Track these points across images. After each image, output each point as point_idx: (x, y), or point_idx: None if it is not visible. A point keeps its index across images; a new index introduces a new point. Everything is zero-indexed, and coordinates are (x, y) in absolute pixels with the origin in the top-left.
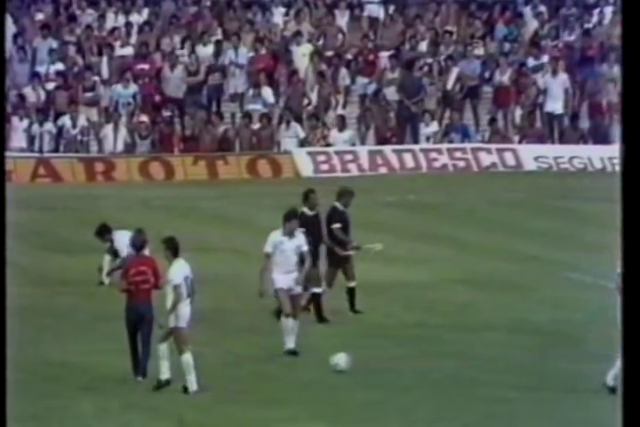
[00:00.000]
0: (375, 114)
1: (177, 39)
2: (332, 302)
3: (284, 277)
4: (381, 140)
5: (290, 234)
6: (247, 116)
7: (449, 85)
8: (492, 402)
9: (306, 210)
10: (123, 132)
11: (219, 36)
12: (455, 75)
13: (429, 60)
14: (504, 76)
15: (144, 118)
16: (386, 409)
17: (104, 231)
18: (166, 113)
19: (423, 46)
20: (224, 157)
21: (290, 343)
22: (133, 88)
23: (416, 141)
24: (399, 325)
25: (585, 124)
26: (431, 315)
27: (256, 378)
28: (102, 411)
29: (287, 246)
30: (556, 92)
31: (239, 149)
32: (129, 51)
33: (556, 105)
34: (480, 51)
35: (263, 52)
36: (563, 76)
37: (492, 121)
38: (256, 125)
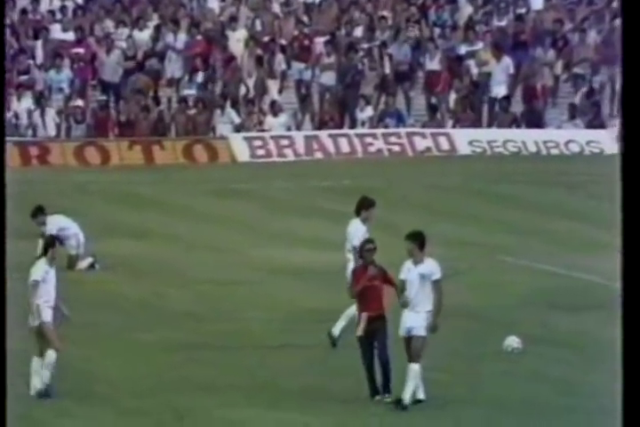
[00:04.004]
0: (311, 99)
1: (112, 24)
2: (265, 288)
3: None
4: (318, 126)
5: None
6: (183, 101)
7: (385, 70)
8: (425, 385)
9: None
10: (57, 116)
11: (155, 20)
12: (389, 60)
13: (365, 46)
14: (437, 61)
15: (79, 103)
16: (326, 393)
17: (38, 213)
18: (102, 97)
19: (358, 32)
20: (160, 141)
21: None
22: (68, 72)
23: (353, 126)
24: (336, 310)
25: (518, 107)
26: None
27: (194, 364)
28: None
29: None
30: (499, 77)
31: (175, 133)
32: (64, 35)
33: (498, 89)
34: (414, 36)
35: (199, 37)
36: (507, 61)
37: (428, 106)
38: (192, 111)
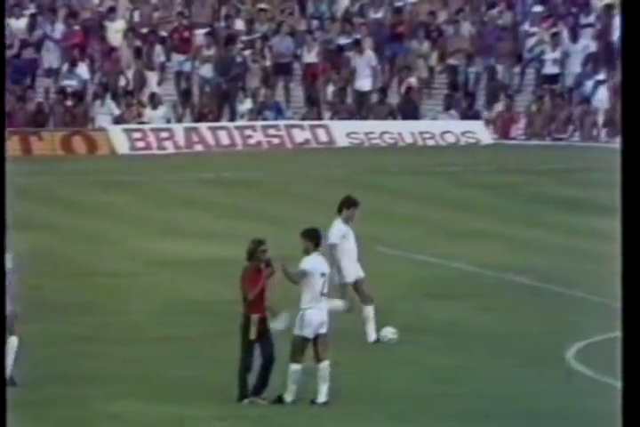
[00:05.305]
0: (191, 91)
1: None
2: (146, 280)
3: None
4: (197, 118)
5: (347, 221)
6: (61, 92)
7: (265, 63)
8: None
9: None
10: None
11: (32, 9)
12: (269, 52)
13: (245, 38)
14: (314, 54)
15: None
16: (205, 385)
17: None
18: None
19: (238, 24)
20: (38, 132)
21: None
22: None
23: (232, 119)
24: (220, 301)
25: (395, 99)
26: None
27: (75, 356)
28: None
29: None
30: (364, 69)
31: (53, 125)
32: None
33: (364, 82)
34: (292, 28)
35: (77, 27)
36: (369, 54)
37: (305, 98)
38: (70, 102)
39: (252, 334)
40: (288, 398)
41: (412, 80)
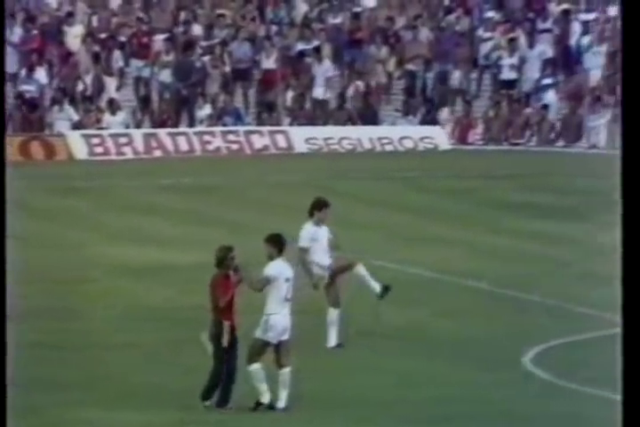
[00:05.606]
0: (150, 97)
1: None
2: (104, 286)
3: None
4: (157, 124)
5: (319, 223)
6: (19, 97)
7: (224, 68)
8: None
9: None
10: None
11: None
12: (228, 58)
13: (204, 43)
14: (273, 60)
15: None
16: (165, 391)
17: None
18: None
19: (197, 29)
20: None
21: None
22: None
23: (191, 125)
24: (177, 308)
25: (353, 105)
26: (208, 297)
27: (32, 362)
28: None
29: (320, 235)
30: (320, 78)
31: (11, 130)
32: None
33: (319, 90)
34: (251, 34)
35: (35, 32)
36: (327, 64)
37: (264, 104)
38: (28, 106)
39: (226, 342)
40: (265, 399)
41: (371, 85)
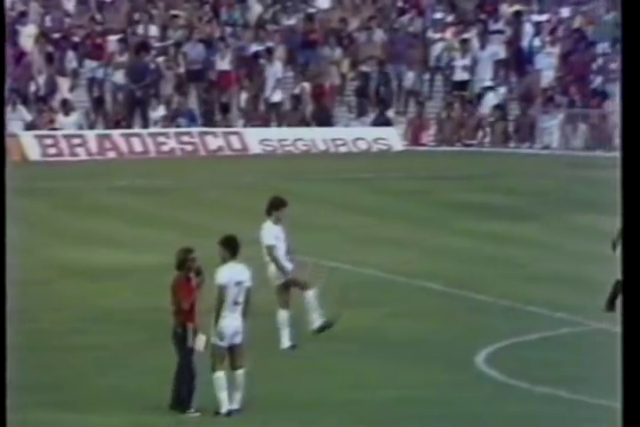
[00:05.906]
0: (104, 98)
1: None
2: (58, 288)
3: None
4: (110, 125)
5: (277, 223)
6: None
7: (178, 70)
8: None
9: None
10: None
11: None
12: (182, 59)
13: (158, 44)
14: (227, 61)
15: None
16: (126, 393)
17: None
18: None
19: (152, 30)
20: None
21: None
22: None
23: (145, 126)
24: (134, 309)
25: (307, 106)
26: (164, 299)
27: None
28: None
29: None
30: (271, 80)
31: None
32: None
33: (270, 92)
34: (205, 35)
35: None
36: (277, 65)
37: (218, 105)
38: None
39: (192, 342)
40: (223, 409)
41: (325, 87)
